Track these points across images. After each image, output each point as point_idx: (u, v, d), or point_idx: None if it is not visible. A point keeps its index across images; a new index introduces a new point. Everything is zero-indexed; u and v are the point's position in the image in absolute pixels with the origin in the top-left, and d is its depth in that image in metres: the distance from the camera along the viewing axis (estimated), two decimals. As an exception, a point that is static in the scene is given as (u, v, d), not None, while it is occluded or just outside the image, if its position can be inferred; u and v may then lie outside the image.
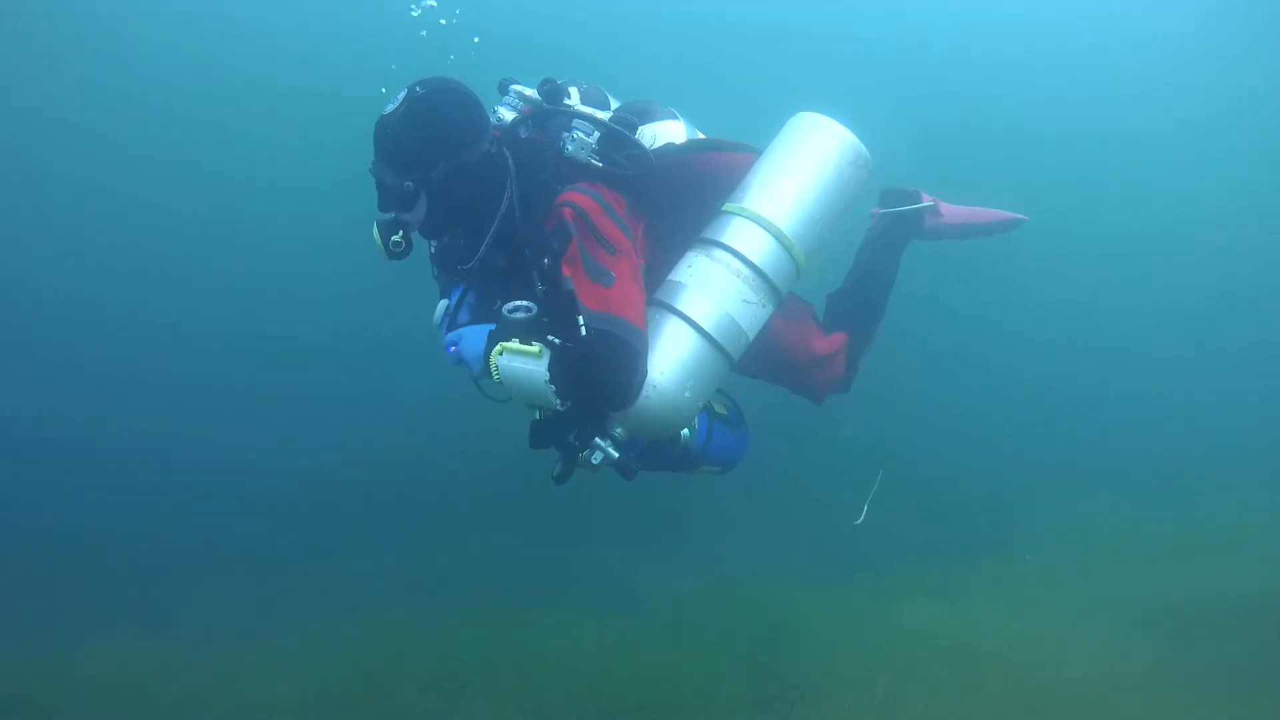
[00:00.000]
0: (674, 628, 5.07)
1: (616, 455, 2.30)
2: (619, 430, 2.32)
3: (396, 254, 2.52)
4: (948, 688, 4.01)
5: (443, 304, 2.68)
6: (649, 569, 5.78)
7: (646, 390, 2.26)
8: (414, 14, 5.42)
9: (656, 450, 2.64)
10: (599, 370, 2.23)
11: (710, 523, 6.10)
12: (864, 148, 2.57)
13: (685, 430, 2.65)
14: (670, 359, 2.30)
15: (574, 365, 2.24)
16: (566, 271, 2.30)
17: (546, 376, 2.23)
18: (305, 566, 5.92)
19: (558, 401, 2.25)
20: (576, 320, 2.24)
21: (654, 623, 5.16)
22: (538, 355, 2.24)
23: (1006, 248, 3.32)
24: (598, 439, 2.30)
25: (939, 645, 4.41)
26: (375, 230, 2.51)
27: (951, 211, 3.05)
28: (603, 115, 2.61)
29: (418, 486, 5.80)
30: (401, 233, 2.45)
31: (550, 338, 2.28)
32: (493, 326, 2.42)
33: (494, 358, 2.29)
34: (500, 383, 2.30)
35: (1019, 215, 3.08)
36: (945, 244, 3.21)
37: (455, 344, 2.47)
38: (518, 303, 2.36)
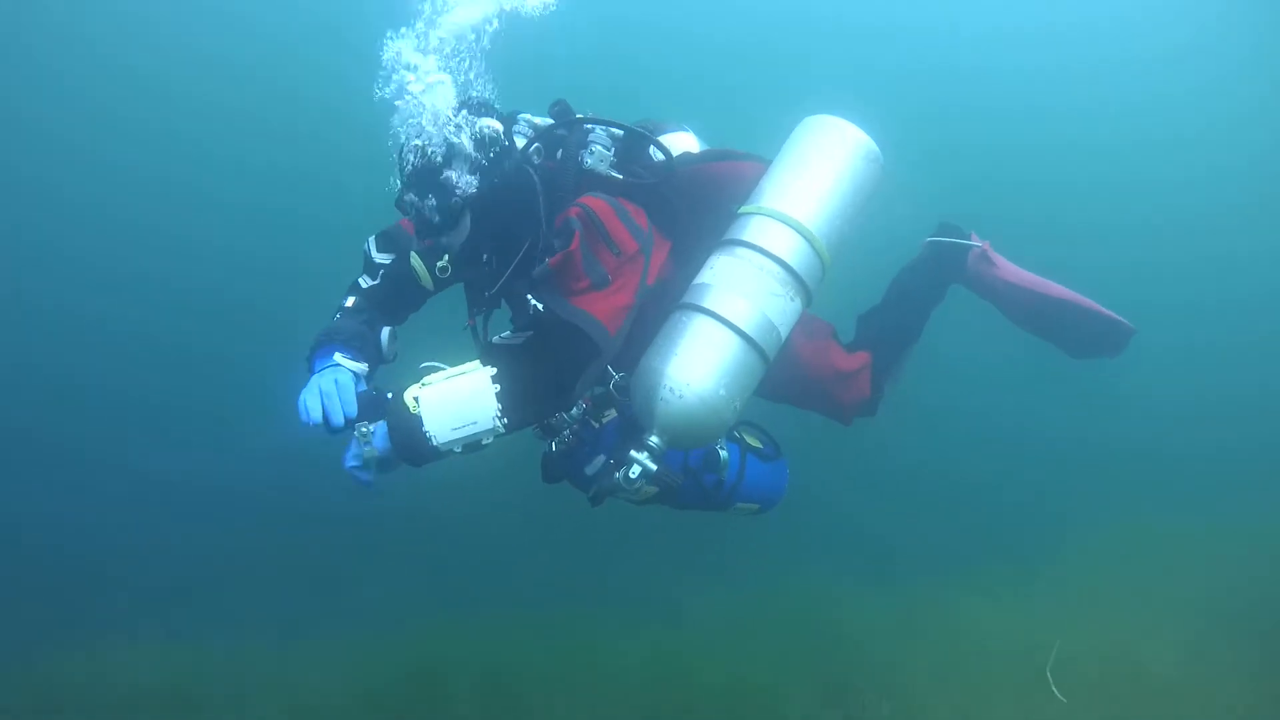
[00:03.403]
0: (726, 638, 4.91)
1: (655, 468, 2.18)
2: (655, 440, 2.19)
3: (443, 280, 2.51)
4: (1028, 694, 3.89)
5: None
6: (690, 580, 5.59)
7: (682, 391, 2.16)
8: None
9: (688, 480, 2.57)
10: (552, 362, 2.21)
11: (745, 530, 5.94)
12: (874, 143, 2.54)
13: (723, 451, 2.60)
14: (705, 358, 2.21)
15: (531, 359, 2.20)
16: (553, 263, 2.27)
17: (494, 380, 2.13)
18: (345, 574, 5.77)
19: (497, 413, 2.12)
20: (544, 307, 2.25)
21: (704, 633, 4.99)
22: (477, 368, 2.17)
23: (1057, 245, 3.06)
24: (633, 452, 2.18)
25: (1010, 651, 4.28)
26: (415, 259, 2.48)
27: (1010, 270, 2.86)
28: (616, 129, 2.60)
29: (457, 494, 5.63)
30: (446, 257, 2.39)
31: (508, 335, 2.29)
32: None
33: (410, 395, 2.14)
34: (419, 415, 2.11)
35: (1125, 321, 2.79)
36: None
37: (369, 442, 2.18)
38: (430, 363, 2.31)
